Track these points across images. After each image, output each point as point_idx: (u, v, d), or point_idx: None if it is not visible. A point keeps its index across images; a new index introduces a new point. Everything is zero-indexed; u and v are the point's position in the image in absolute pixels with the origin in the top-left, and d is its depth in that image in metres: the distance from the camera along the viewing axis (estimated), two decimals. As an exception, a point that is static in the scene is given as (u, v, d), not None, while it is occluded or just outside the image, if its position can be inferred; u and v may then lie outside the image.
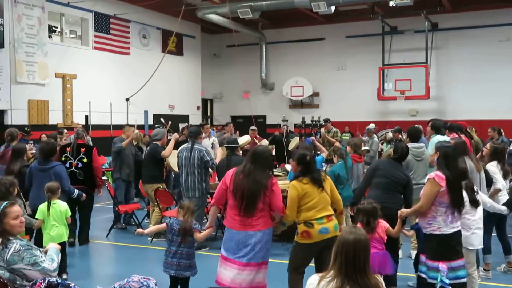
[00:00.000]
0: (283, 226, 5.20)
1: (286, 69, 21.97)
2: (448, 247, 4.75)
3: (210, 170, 8.15)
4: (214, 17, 18.74)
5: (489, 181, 6.51)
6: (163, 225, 5.40)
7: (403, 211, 5.12)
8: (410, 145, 7.13)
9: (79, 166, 8.22)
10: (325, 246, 4.99)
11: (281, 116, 18.76)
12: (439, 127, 8.27)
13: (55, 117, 14.98)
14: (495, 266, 6.65)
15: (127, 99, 17.67)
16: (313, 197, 5.01)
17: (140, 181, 9.32)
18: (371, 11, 18.93)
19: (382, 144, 15.34)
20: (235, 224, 4.97)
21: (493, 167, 6.54)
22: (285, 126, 15.44)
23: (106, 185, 9.54)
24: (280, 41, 22.37)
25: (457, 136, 8.87)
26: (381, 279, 2.98)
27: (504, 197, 6.47)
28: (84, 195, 7.56)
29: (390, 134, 14.14)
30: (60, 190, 6.38)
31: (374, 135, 14.07)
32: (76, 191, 7.35)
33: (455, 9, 18.85)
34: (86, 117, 16.06)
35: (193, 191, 7.81)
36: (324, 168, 9.83)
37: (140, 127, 17.57)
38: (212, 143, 11.66)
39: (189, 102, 21.01)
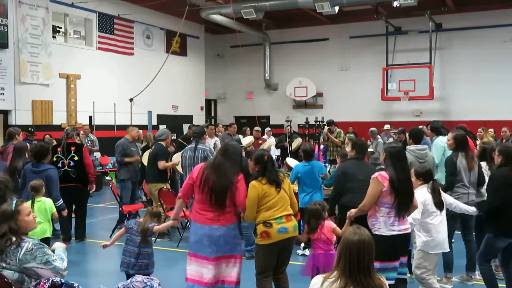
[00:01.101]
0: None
1: (289, 70, 21.96)
2: (382, 249, 4.59)
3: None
4: (217, 18, 18.75)
5: (481, 182, 6.39)
6: (123, 229, 5.52)
7: (352, 211, 5.06)
8: (412, 147, 7.09)
9: (71, 164, 8.42)
10: (284, 247, 5.03)
11: (285, 116, 18.72)
12: (438, 128, 8.24)
13: (59, 118, 15.00)
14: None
15: (131, 100, 17.70)
16: (272, 197, 4.99)
17: (144, 180, 9.33)
18: (375, 11, 18.91)
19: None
20: (201, 218, 4.94)
21: (482, 169, 6.42)
22: (289, 127, 15.43)
23: (110, 185, 9.57)
24: (284, 42, 22.37)
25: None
26: (385, 281, 2.96)
27: None
28: (66, 210, 7.44)
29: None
30: (43, 187, 6.47)
31: (378, 136, 14.04)
32: (61, 202, 7.24)
33: (459, 10, 18.81)
34: (90, 117, 16.09)
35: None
36: (328, 169, 9.83)
37: (143, 127, 17.59)
38: (215, 143, 11.66)
39: (192, 102, 21.03)
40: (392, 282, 4.71)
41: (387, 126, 15.63)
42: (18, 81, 13.76)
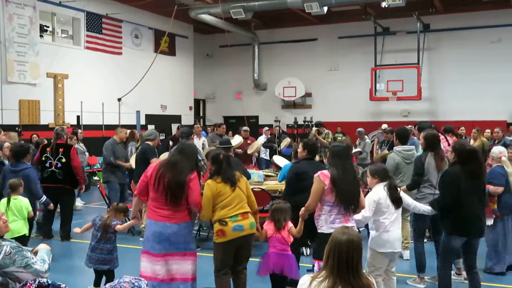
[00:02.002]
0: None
1: (278, 70, 21.98)
2: (324, 246, 4.67)
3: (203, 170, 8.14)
4: (206, 17, 18.72)
5: None
6: (90, 224, 5.71)
7: (303, 209, 5.08)
8: (399, 147, 7.10)
9: (58, 166, 8.49)
10: (241, 244, 5.11)
11: (274, 116, 18.74)
12: (426, 128, 8.29)
13: (46, 117, 14.90)
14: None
15: (119, 99, 17.61)
16: (227, 195, 5.08)
17: (132, 180, 9.30)
18: (363, 12, 18.98)
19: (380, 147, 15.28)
20: (155, 216, 5.03)
21: None
22: (278, 127, 15.45)
23: (98, 186, 9.53)
24: (273, 42, 22.38)
25: (442, 136, 8.92)
26: (373, 280, 2.97)
27: None
28: (51, 205, 7.76)
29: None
30: (21, 187, 6.57)
31: (366, 137, 14.10)
32: (44, 198, 7.50)
33: (446, 10, 18.94)
34: (78, 117, 15.99)
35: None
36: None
37: (132, 127, 17.51)
38: (203, 144, 11.65)
39: (181, 102, 20.97)
40: None
41: (384, 126, 15.68)
42: (5, 80, 13.64)
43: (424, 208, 5.68)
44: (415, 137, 9.06)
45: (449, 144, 8.85)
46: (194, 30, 21.90)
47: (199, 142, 11.52)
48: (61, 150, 8.55)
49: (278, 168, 9.18)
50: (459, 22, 19.12)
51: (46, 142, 9.40)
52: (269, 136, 15.15)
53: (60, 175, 8.46)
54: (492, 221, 6.65)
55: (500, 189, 6.44)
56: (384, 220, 5.23)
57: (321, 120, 15.24)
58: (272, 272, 5.32)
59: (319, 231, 4.85)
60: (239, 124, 17.35)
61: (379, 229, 5.23)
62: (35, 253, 3.79)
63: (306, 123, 17.71)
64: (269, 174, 9.66)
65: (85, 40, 16.40)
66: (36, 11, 14.50)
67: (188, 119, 20.99)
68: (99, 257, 5.51)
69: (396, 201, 5.26)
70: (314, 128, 14.33)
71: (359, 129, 14.20)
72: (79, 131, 12.96)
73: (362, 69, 20.04)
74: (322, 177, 4.81)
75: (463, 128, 12.90)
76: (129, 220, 5.73)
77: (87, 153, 12.48)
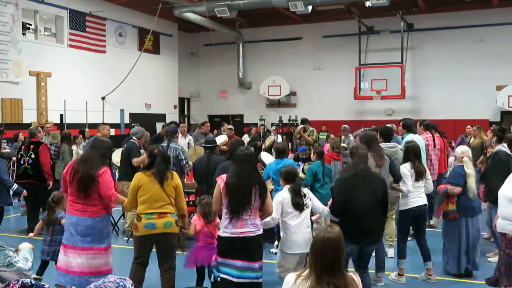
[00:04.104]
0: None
1: (263, 68, 22.00)
2: (221, 246, 4.74)
3: (186, 169, 8.18)
4: (191, 16, 18.67)
5: (397, 179, 6.46)
6: (41, 222, 6.06)
7: None
8: (383, 144, 7.13)
9: (29, 162, 8.84)
10: (157, 241, 5.23)
11: (259, 115, 18.75)
12: (410, 125, 8.35)
13: (29, 116, 14.76)
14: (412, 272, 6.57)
15: (103, 98, 17.50)
16: (147, 191, 5.17)
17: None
18: (347, 11, 19.07)
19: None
20: (71, 209, 5.20)
21: (405, 169, 6.32)
22: (262, 126, 15.43)
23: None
24: (258, 40, 22.40)
25: (429, 134, 8.99)
26: (356, 278, 2.99)
27: (415, 199, 6.31)
28: (24, 191, 8.27)
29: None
30: None
31: (350, 134, 14.16)
32: (15, 186, 7.85)
33: (430, 10, 19.10)
34: (61, 115, 15.85)
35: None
36: (301, 167, 9.86)
37: (116, 126, 17.42)
38: (188, 143, 11.62)
39: (165, 101, 20.91)
40: (234, 280, 4.63)
41: (390, 125, 15.67)
42: (-14, 78, 13.51)
43: (326, 210, 5.58)
44: (398, 136, 9.12)
45: (434, 142, 8.93)
46: (179, 28, 21.84)
47: (185, 141, 11.48)
48: (31, 147, 8.86)
49: (264, 165, 9.17)
50: (442, 22, 19.30)
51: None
52: (254, 134, 15.11)
53: (31, 171, 8.79)
54: (437, 221, 6.60)
55: (457, 189, 6.37)
56: (290, 222, 5.21)
57: (307, 118, 15.26)
58: (201, 264, 5.44)
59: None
60: (224, 122, 17.32)
61: (286, 230, 5.24)
62: (17, 252, 3.77)
63: (291, 121, 17.73)
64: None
65: (68, 38, 16.27)
66: (19, 9, 14.35)
67: (172, 117, 20.87)
68: (55, 249, 5.77)
69: (297, 205, 5.22)
70: (300, 126, 14.35)
71: (344, 125, 14.29)
72: (86, 130, 13.06)
73: (347, 68, 20.13)
74: (220, 181, 4.75)
75: (469, 126, 12.85)
76: None
77: None
